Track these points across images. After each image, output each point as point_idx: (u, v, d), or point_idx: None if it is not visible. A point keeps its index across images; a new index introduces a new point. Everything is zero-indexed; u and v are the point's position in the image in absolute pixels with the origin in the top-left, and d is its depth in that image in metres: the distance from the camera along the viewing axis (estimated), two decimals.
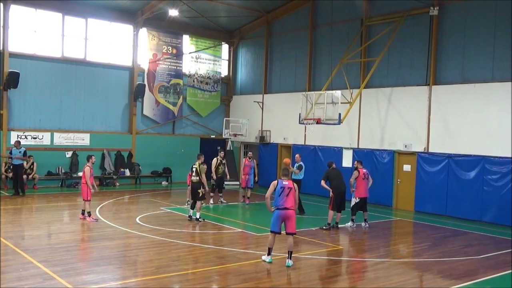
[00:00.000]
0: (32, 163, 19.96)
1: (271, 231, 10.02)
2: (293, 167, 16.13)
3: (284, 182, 9.97)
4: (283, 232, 10.13)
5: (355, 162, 15.12)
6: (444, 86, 17.61)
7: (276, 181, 10.03)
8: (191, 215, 14.40)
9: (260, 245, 11.36)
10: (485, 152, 16.31)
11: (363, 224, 14.46)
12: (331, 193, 13.79)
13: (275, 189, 9.94)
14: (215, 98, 25.97)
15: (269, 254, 9.99)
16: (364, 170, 14.59)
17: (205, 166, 14.96)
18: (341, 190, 13.97)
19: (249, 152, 19.29)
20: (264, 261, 9.98)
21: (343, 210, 14.06)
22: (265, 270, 9.55)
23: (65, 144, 21.30)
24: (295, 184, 10.14)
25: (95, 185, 14.02)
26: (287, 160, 16.37)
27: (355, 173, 14.46)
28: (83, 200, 13.71)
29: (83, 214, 13.85)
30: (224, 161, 17.89)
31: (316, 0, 22.34)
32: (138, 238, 11.94)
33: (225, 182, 18.70)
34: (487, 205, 16.18)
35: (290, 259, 9.86)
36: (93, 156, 14.25)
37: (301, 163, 16.24)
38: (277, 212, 9.93)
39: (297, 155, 16.81)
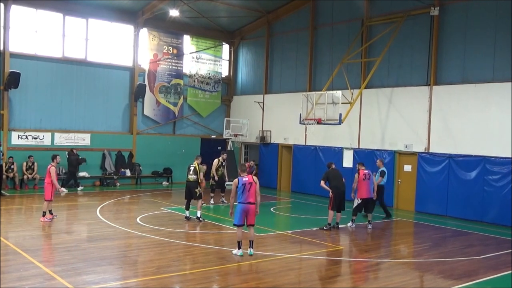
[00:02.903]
0: (33, 163, 19.99)
1: (236, 225, 10.39)
2: (377, 174, 15.94)
3: (244, 179, 10.33)
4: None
5: (357, 165, 15.03)
6: (445, 86, 17.60)
7: (236, 180, 10.37)
8: (187, 215, 14.42)
9: (260, 245, 11.36)
10: (485, 152, 16.30)
11: (368, 226, 14.39)
12: (330, 194, 13.77)
13: (237, 187, 10.28)
14: (216, 98, 25.98)
15: (239, 248, 10.35)
16: (366, 171, 14.47)
17: (205, 166, 14.97)
18: (341, 190, 13.91)
19: (251, 161, 19.34)
20: (236, 255, 10.28)
21: (343, 210, 14.03)
22: (265, 270, 9.55)
23: (66, 144, 21.29)
24: (255, 178, 10.50)
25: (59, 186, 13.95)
26: (379, 161, 16.24)
27: (356, 176, 14.43)
28: (45, 200, 13.47)
29: (44, 215, 13.53)
30: (224, 163, 17.95)
31: (316, 0, 22.34)
32: (138, 238, 11.95)
33: (226, 183, 18.73)
34: (487, 206, 16.17)
35: (252, 247, 10.37)
36: (58, 156, 14.15)
37: (384, 168, 16.10)
38: (240, 206, 10.30)
39: (378, 161, 16.46)
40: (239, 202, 10.30)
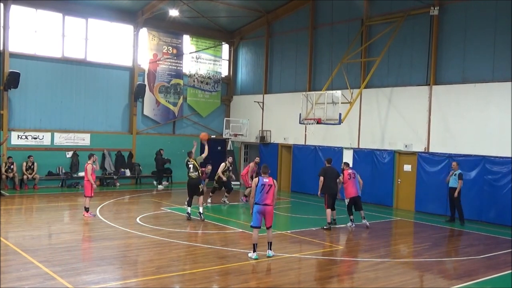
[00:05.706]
0: (33, 163, 19.98)
1: (253, 227, 10.30)
2: (453, 176, 15.79)
3: (265, 180, 10.29)
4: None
5: (342, 165, 15.11)
6: (445, 86, 17.60)
7: (257, 179, 10.36)
8: (189, 212, 14.39)
9: (261, 245, 11.30)
10: (485, 152, 16.30)
11: (363, 221, 14.39)
12: (319, 193, 14.08)
13: (256, 186, 10.22)
14: (216, 98, 25.98)
15: (254, 250, 10.22)
16: (350, 171, 14.58)
17: (203, 155, 14.92)
18: (334, 190, 14.10)
19: (257, 158, 19.39)
20: (251, 258, 10.15)
21: (335, 209, 14.22)
22: (265, 270, 9.56)
23: (66, 144, 21.31)
24: (275, 181, 10.47)
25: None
26: (455, 164, 15.99)
27: (340, 177, 14.48)
28: (85, 196, 14.23)
29: (87, 211, 14.35)
30: (231, 168, 18.03)
31: (316, 0, 22.34)
32: (138, 238, 11.94)
33: (233, 183, 18.82)
34: (487, 205, 16.17)
35: (271, 249, 10.35)
36: (94, 155, 14.88)
37: (460, 170, 15.81)
38: (257, 207, 10.24)
39: (454, 163, 16.09)
40: (255, 203, 10.24)
